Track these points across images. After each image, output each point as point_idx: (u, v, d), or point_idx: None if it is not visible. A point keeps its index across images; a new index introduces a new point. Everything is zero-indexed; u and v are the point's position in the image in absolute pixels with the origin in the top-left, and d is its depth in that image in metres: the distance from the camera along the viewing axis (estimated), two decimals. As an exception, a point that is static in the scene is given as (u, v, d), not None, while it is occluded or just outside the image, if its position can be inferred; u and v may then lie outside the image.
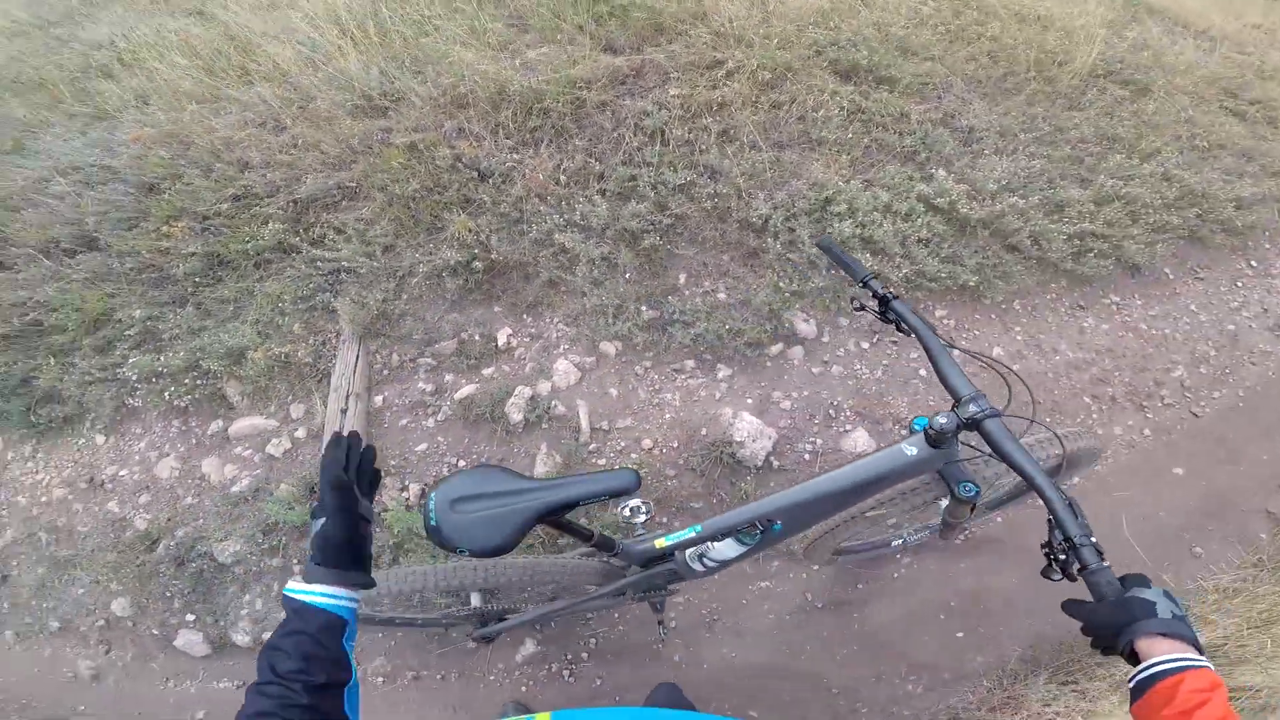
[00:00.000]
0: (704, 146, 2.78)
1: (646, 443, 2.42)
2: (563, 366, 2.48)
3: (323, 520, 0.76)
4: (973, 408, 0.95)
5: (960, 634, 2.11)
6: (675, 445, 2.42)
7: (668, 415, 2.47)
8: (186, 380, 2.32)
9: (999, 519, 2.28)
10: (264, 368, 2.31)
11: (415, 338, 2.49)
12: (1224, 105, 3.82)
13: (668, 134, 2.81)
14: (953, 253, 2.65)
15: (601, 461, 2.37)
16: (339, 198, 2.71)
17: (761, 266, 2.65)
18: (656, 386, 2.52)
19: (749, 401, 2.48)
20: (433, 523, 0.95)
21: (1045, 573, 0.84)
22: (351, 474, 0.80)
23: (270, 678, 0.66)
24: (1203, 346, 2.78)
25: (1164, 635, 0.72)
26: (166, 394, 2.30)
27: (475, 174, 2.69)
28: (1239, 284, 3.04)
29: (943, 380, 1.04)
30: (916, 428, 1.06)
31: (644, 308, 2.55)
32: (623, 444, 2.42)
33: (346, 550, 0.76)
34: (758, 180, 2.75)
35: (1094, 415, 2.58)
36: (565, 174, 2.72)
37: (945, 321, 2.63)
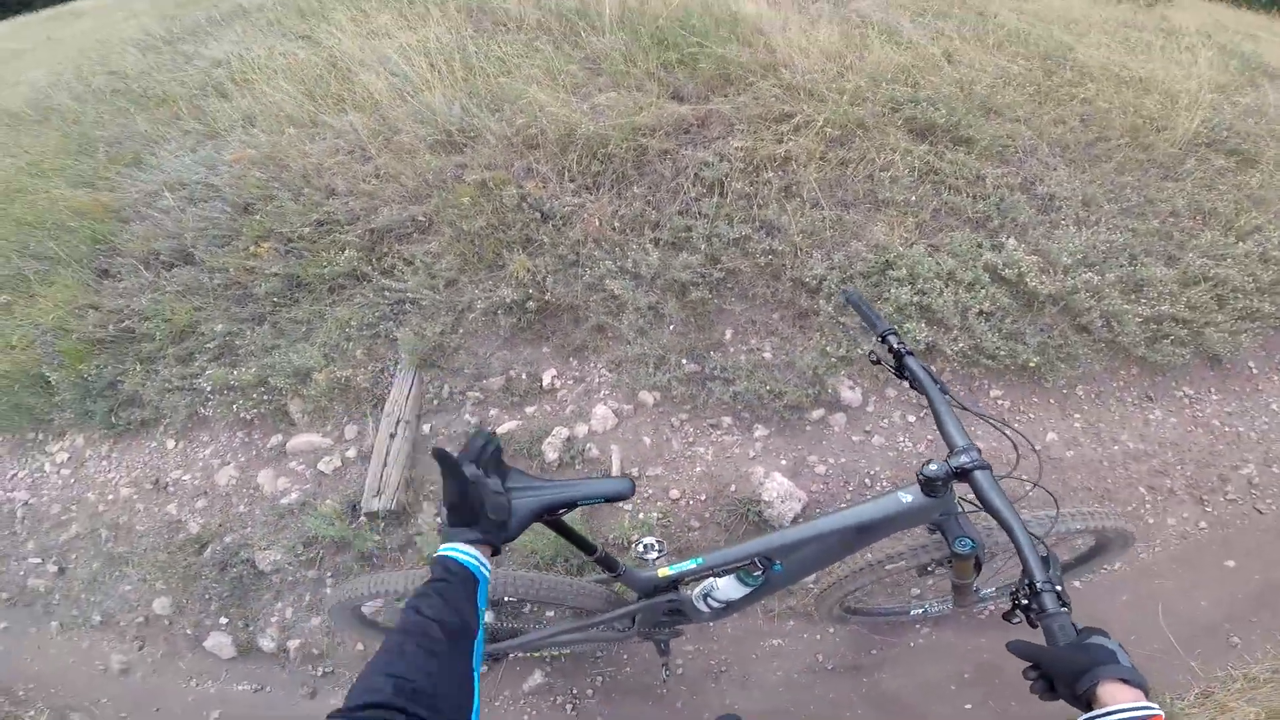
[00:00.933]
0: (763, 201, 2.75)
1: (674, 493, 2.40)
2: (601, 411, 2.49)
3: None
4: (964, 458, 0.96)
5: (969, 706, 2.00)
6: (703, 498, 2.40)
7: (698, 468, 2.45)
8: (255, 395, 2.48)
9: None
10: (325, 388, 2.44)
11: (466, 371, 2.57)
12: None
13: (727, 186, 2.78)
14: (1015, 329, 2.50)
15: (628, 508, 2.37)
16: (411, 230, 2.82)
17: (811, 329, 2.58)
18: (691, 439, 2.50)
19: (783, 463, 2.42)
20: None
21: (1006, 616, 0.88)
22: (466, 453, 0.90)
23: (413, 618, 0.73)
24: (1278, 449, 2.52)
25: (1126, 682, 0.73)
26: (235, 406, 2.45)
27: (538, 215, 2.75)
28: None
29: (941, 431, 1.06)
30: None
31: (686, 360, 2.53)
32: (650, 491, 2.41)
33: (461, 511, 0.86)
34: (816, 239, 2.68)
35: (1147, 505, 2.39)
36: (622, 220, 2.75)
37: (1000, 402, 2.48)
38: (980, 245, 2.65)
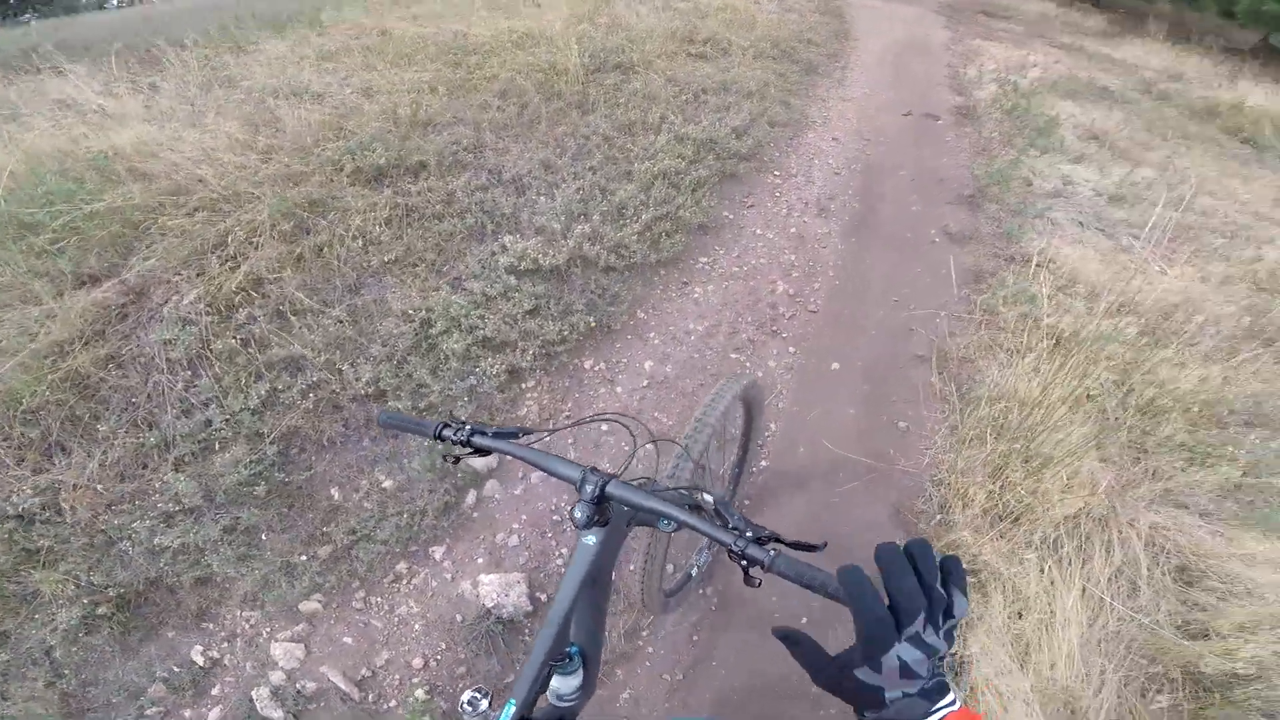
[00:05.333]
0: (261, 340, 2.21)
1: (416, 661, 1.96)
2: (279, 650, 1.85)
3: None
4: (587, 488, 0.87)
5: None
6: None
7: (417, 626, 2.02)
8: None
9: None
10: None
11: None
12: (690, 53, 4.32)
13: (211, 349, 2.17)
14: (563, 305, 2.54)
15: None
16: None
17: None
18: (386, 606, 2.04)
19: (466, 584, 2.13)
20: None
21: (747, 582, 0.73)
22: None
23: None
24: (785, 257, 3.13)
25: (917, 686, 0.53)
26: None
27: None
28: (778, 194, 3.49)
29: (555, 477, 0.95)
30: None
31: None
32: (396, 677, 1.92)
33: None
34: (342, 343, 2.28)
35: (747, 364, 2.75)
36: (118, 469, 1.96)
37: (597, 367, 2.53)
38: (494, 254, 2.57)
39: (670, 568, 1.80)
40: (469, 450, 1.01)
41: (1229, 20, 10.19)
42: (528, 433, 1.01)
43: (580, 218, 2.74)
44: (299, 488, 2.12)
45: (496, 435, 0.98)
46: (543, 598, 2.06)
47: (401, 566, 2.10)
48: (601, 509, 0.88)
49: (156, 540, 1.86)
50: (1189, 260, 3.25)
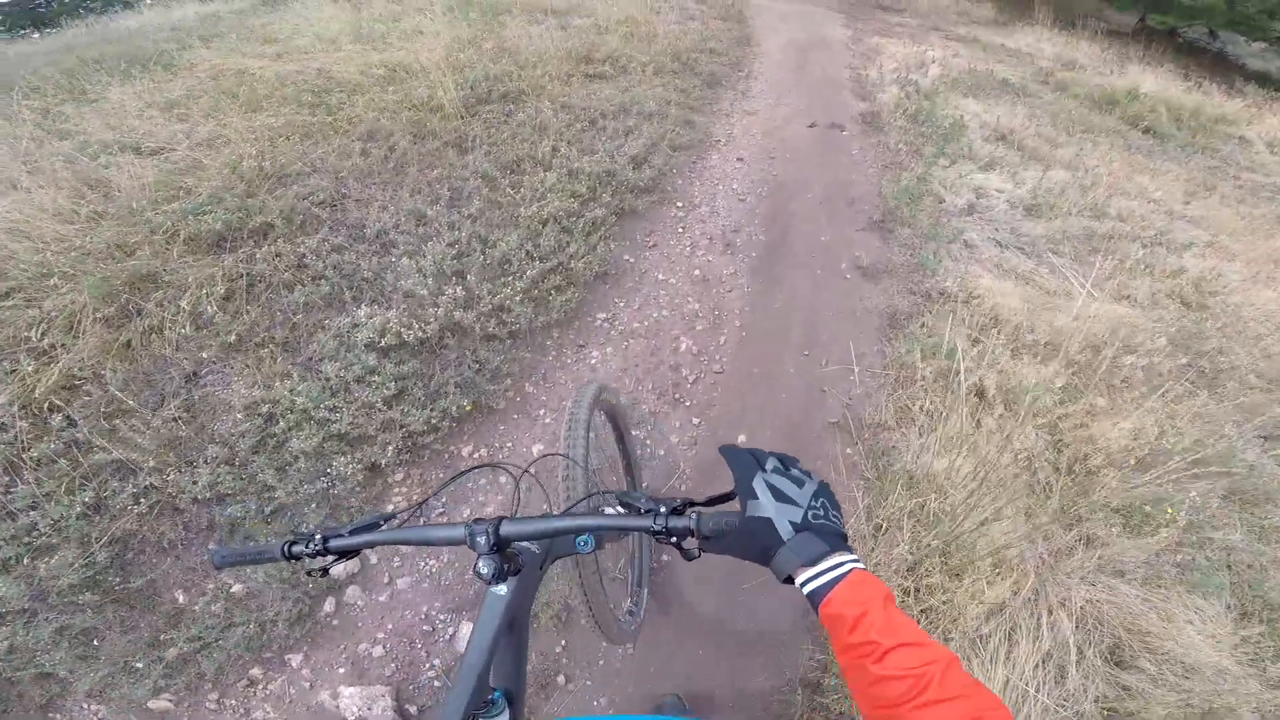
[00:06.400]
0: (87, 444, 1.85)
1: None
2: None
3: None
4: (480, 540, 0.82)
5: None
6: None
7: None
8: None
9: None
10: None
11: None
12: (587, 73, 4.05)
13: (27, 454, 1.81)
14: (433, 387, 2.23)
15: None
16: None
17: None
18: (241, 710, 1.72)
19: (326, 693, 1.82)
20: None
21: (686, 555, 0.74)
22: None
23: None
24: (690, 305, 2.80)
25: (801, 561, 0.63)
26: None
27: None
28: (681, 229, 3.23)
29: (441, 545, 0.88)
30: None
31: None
32: None
33: None
34: (180, 451, 1.94)
35: (648, 441, 2.33)
36: None
37: (476, 454, 2.23)
38: (354, 327, 2.25)
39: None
40: (331, 559, 0.89)
41: (1107, 2, 10.62)
42: (390, 517, 0.92)
43: (454, 277, 2.44)
44: (138, 591, 1.82)
45: (355, 531, 0.88)
46: (413, 710, 1.79)
47: (256, 671, 1.82)
48: (507, 556, 0.82)
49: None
50: (1111, 275, 3.17)
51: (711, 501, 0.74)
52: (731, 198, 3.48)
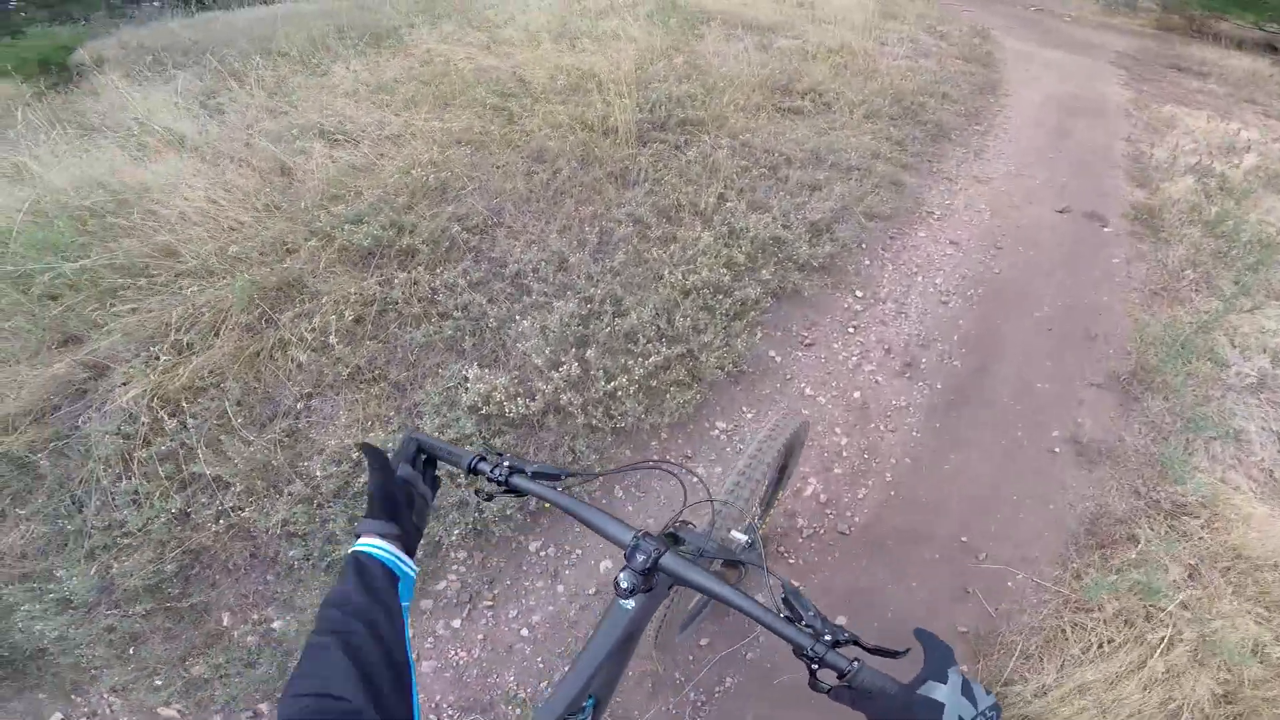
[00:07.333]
0: (192, 451, 1.91)
1: None
2: None
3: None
4: (639, 557, 0.79)
5: None
6: None
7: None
8: None
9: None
10: None
11: None
12: (781, 107, 3.51)
13: (144, 448, 1.91)
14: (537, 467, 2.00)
15: None
16: None
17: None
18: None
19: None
20: None
21: (814, 685, 0.66)
22: (400, 451, 0.82)
23: (335, 615, 0.63)
24: (833, 437, 2.26)
25: None
26: None
27: None
28: (851, 329, 2.64)
29: (602, 536, 0.86)
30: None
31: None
32: None
33: (384, 504, 0.74)
34: (269, 479, 1.93)
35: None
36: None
37: (545, 551, 1.99)
38: (463, 382, 2.08)
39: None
40: (503, 490, 0.88)
41: None
42: (571, 475, 0.92)
43: (575, 347, 2.16)
44: (192, 605, 1.86)
45: (537, 475, 0.88)
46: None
47: (263, 707, 1.76)
48: (648, 577, 0.81)
49: (37, 627, 1.72)
50: None
51: (878, 652, 0.66)
52: (931, 296, 2.78)
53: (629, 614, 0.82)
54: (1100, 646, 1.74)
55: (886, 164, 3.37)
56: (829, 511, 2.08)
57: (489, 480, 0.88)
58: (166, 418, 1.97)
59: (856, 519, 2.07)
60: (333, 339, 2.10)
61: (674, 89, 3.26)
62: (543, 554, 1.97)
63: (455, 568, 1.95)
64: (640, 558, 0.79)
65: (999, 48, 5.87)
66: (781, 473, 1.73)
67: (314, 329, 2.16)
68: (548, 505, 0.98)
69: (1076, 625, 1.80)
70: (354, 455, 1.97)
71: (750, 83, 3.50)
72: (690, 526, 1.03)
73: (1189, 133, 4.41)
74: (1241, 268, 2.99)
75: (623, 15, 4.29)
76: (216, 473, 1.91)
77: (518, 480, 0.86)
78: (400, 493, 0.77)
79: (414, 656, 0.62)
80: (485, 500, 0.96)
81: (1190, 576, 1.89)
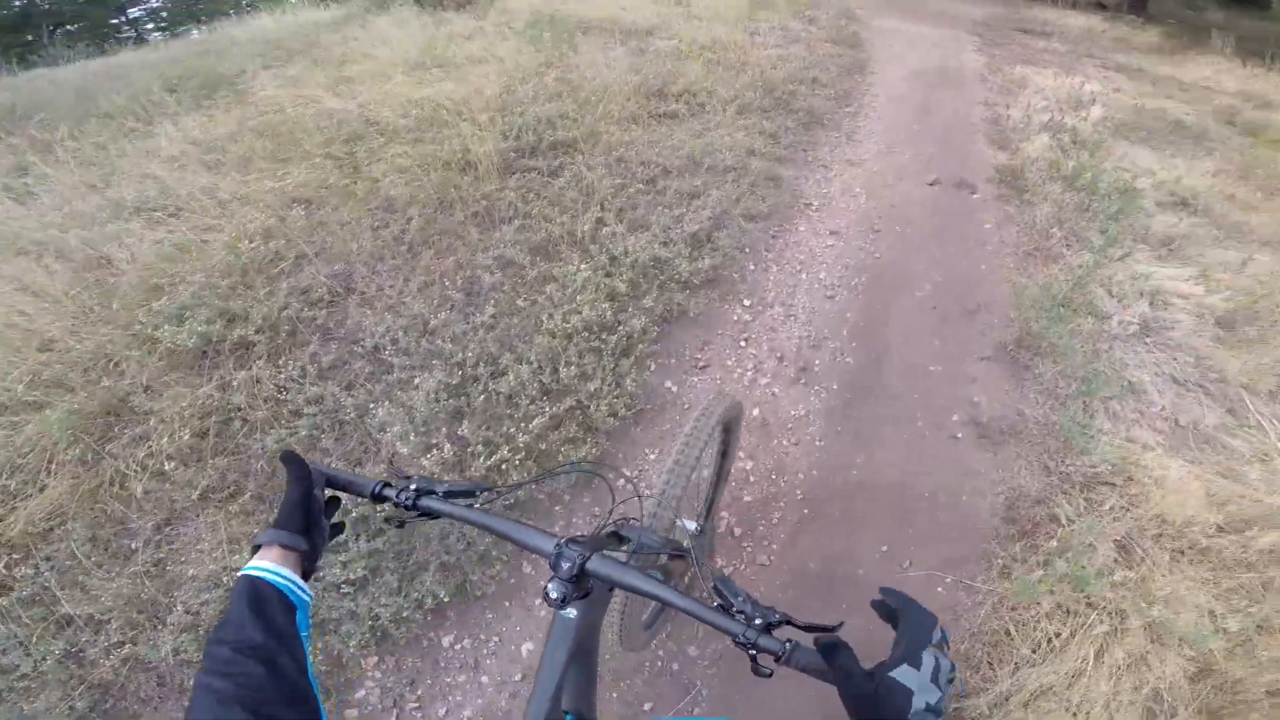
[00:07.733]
0: (47, 601, 1.59)
1: None
2: None
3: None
4: (564, 564, 0.75)
5: None
6: None
7: None
8: None
9: None
10: None
11: None
12: (657, 113, 3.39)
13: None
14: (408, 570, 1.80)
15: None
16: None
17: None
18: None
19: None
20: None
21: (756, 671, 0.63)
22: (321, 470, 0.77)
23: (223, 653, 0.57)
24: (740, 463, 2.16)
25: None
26: None
27: None
28: (744, 342, 2.54)
29: (526, 549, 0.82)
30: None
31: None
32: None
33: (296, 518, 0.71)
34: (147, 611, 1.63)
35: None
36: None
37: (459, 645, 1.79)
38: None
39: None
40: (415, 514, 0.83)
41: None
42: (485, 490, 0.87)
43: (447, 423, 1.96)
44: None
45: (449, 495, 0.83)
46: None
47: None
48: (580, 583, 0.77)
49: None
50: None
51: (811, 629, 0.62)
52: (816, 293, 2.74)
53: (573, 623, 0.78)
54: (1050, 642, 1.70)
55: (761, 160, 3.32)
56: (745, 545, 1.99)
57: (395, 506, 0.83)
58: (28, 557, 1.68)
59: (774, 547, 1.98)
60: (168, 466, 1.81)
61: (543, 109, 3.07)
62: (458, 647, 1.78)
63: (371, 673, 1.73)
64: (566, 565, 0.77)
65: (865, 27, 6.02)
66: (724, 458, 1.72)
67: (151, 453, 1.87)
68: (473, 528, 0.92)
69: (1019, 623, 1.76)
70: (225, 580, 1.71)
71: (624, 91, 3.36)
72: (634, 523, 1.02)
73: (1039, 91, 4.64)
74: (1104, 218, 3.13)
75: (489, 36, 4.04)
76: (87, 611, 1.65)
77: (428, 502, 0.82)
78: (316, 509, 0.74)
79: (319, 688, 0.57)
80: (397, 528, 0.94)
81: (1123, 550, 1.88)
